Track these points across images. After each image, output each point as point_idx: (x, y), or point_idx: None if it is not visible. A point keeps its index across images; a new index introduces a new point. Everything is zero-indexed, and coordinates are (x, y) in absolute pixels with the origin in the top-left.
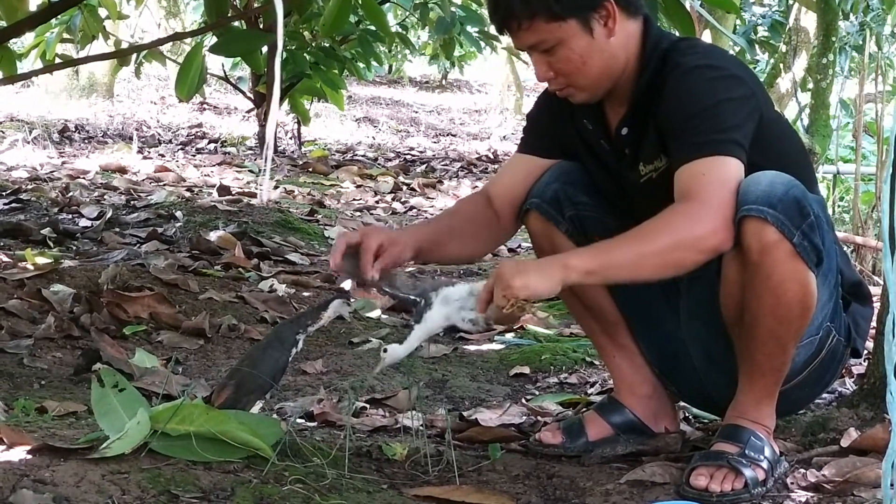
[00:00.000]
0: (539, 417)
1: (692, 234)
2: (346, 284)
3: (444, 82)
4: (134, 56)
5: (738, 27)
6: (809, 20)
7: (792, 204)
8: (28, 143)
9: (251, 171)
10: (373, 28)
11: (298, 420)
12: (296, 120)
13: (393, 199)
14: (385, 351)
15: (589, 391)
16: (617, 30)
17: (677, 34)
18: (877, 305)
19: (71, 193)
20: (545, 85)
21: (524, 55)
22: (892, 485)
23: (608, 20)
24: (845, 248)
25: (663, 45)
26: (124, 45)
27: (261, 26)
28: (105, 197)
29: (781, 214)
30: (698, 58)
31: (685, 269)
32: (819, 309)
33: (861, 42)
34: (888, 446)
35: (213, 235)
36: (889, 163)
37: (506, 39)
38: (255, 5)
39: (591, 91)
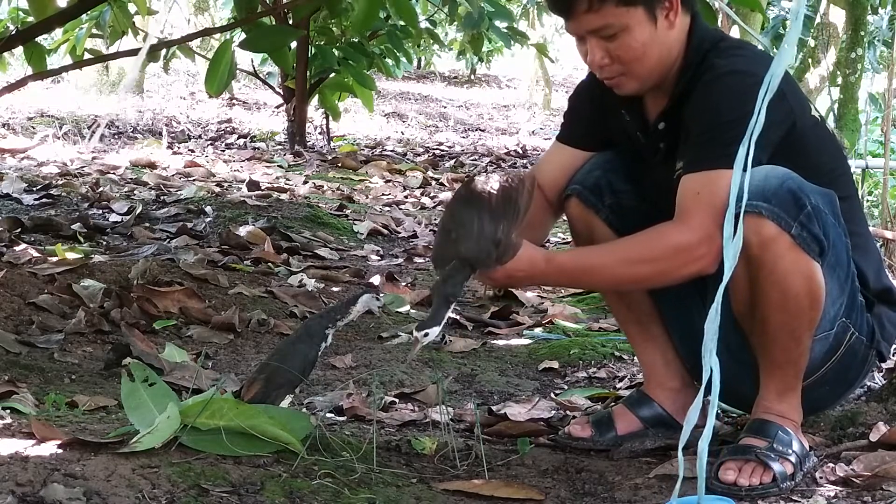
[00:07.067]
0: (568, 412)
1: (670, 257)
2: (375, 279)
3: (472, 77)
4: (163, 51)
5: (767, 23)
6: (838, 15)
7: (787, 196)
8: (58, 138)
9: (280, 167)
10: (401, 23)
11: (328, 414)
12: (325, 115)
13: (422, 194)
14: (426, 335)
15: (618, 386)
16: (676, 23)
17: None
18: None
19: (101, 189)
20: (573, 80)
21: (553, 52)
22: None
23: (670, 12)
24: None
25: (706, 46)
26: (153, 41)
27: (290, 22)
28: (135, 192)
29: (777, 207)
30: (734, 62)
31: (664, 284)
32: (830, 303)
33: (890, 36)
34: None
35: (242, 230)
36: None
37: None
38: (284, 1)
39: (641, 82)
